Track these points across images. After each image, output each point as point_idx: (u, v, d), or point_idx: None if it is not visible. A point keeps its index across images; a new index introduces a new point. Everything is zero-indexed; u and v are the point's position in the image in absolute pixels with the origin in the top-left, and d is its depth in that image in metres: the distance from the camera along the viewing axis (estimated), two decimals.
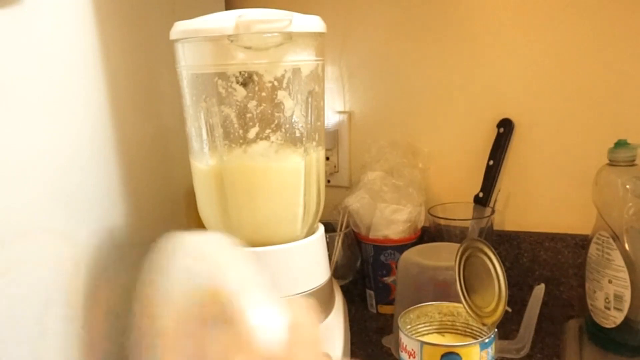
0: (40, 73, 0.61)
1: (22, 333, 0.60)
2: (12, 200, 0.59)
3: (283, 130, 0.62)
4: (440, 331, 0.63)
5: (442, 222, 0.86)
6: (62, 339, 0.66)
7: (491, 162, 0.88)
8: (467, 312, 0.62)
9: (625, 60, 0.82)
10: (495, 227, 0.89)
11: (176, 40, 0.63)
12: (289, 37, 0.60)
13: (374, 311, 0.91)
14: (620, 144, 0.70)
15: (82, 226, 0.68)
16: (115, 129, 0.71)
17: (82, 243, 0.68)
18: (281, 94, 0.61)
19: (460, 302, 0.62)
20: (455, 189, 0.92)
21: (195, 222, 0.80)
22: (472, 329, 0.62)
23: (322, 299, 0.66)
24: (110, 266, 0.72)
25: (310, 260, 0.65)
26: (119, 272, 0.71)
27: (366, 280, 0.92)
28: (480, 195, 0.89)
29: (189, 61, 0.63)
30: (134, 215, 0.75)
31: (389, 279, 0.89)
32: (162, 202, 0.81)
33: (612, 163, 0.71)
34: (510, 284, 0.59)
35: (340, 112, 0.99)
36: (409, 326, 0.61)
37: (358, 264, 0.91)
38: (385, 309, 0.90)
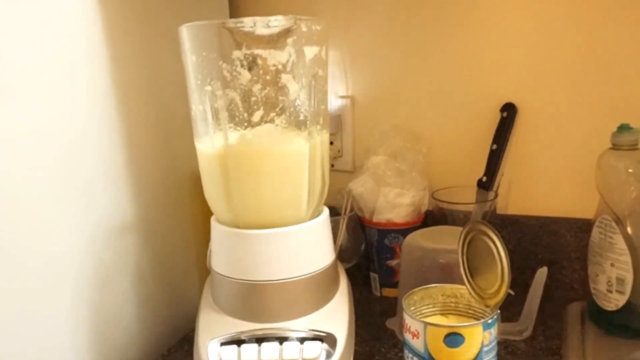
0: (46, 57, 0.62)
1: (30, 324, 0.61)
2: (16, 184, 0.59)
3: (287, 113, 0.63)
4: (444, 312, 0.64)
5: (446, 206, 0.86)
6: (72, 329, 0.67)
7: (494, 146, 0.89)
8: (470, 293, 0.62)
9: (628, 44, 0.81)
10: (499, 211, 0.89)
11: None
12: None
13: (378, 294, 0.92)
14: (623, 128, 0.71)
15: (88, 210, 0.68)
16: (120, 114, 0.72)
17: (89, 227, 0.68)
18: (285, 78, 0.61)
19: (463, 284, 0.63)
20: (458, 173, 0.93)
21: (201, 205, 0.81)
22: (475, 311, 0.63)
23: (327, 281, 0.67)
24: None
25: (315, 243, 0.65)
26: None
27: (370, 264, 0.93)
28: (484, 179, 0.89)
29: (194, 45, 0.63)
30: (140, 198, 0.76)
31: (393, 262, 0.89)
32: (168, 185, 0.81)
33: (615, 147, 0.71)
34: (513, 268, 0.59)
35: (343, 97, 0.99)
36: (412, 307, 0.62)
37: (362, 247, 0.92)
38: (389, 292, 0.91)
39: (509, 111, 0.88)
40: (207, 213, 0.69)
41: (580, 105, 0.85)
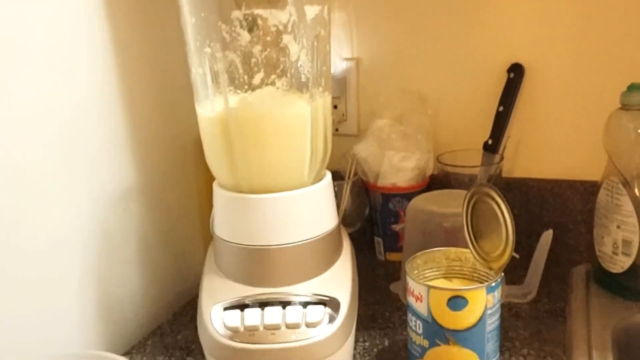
0: (45, 27, 0.61)
1: (36, 291, 0.62)
2: (18, 155, 0.59)
3: (288, 75, 0.62)
4: (448, 276, 0.64)
5: (451, 169, 0.86)
6: (77, 297, 0.67)
7: (501, 108, 0.87)
8: (474, 257, 0.62)
9: (638, 2, 0.79)
10: (504, 174, 0.88)
11: None
12: None
13: (382, 258, 0.92)
14: (634, 88, 0.69)
15: (92, 178, 0.68)
16: (121, 80, 0.71)
17: (93, 196, 0.68)
18: (286, 38, 0.60)
19: (467, 247, 0.62)
20: (464, 136, 0.92)
21: (204, 171, 0.81)
22: (479, 274, 0.62)
23: (330, 245, 0.67)
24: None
25: (318, 207, 0.65)
26: None
27: (374, 228, 0.92)
28: (490, 142, 0.88)
29: (192, 5, 0.61)
30: (144, 165, 0.76)
31: (397, 227, 0.89)
32: (170, 151, 0.81)
33: (624, 107, 0.70)
34: (518, 231, 0.59)
35: (348, 59, 0.97)
36: (416, 271, 0.62)
37: (366, 211, 0.92)
38: (393, 256, 0.91)
39: (516, 72, 0.86)
40: (210, 178, 0.69)
41: (590, 64, 0.84)
